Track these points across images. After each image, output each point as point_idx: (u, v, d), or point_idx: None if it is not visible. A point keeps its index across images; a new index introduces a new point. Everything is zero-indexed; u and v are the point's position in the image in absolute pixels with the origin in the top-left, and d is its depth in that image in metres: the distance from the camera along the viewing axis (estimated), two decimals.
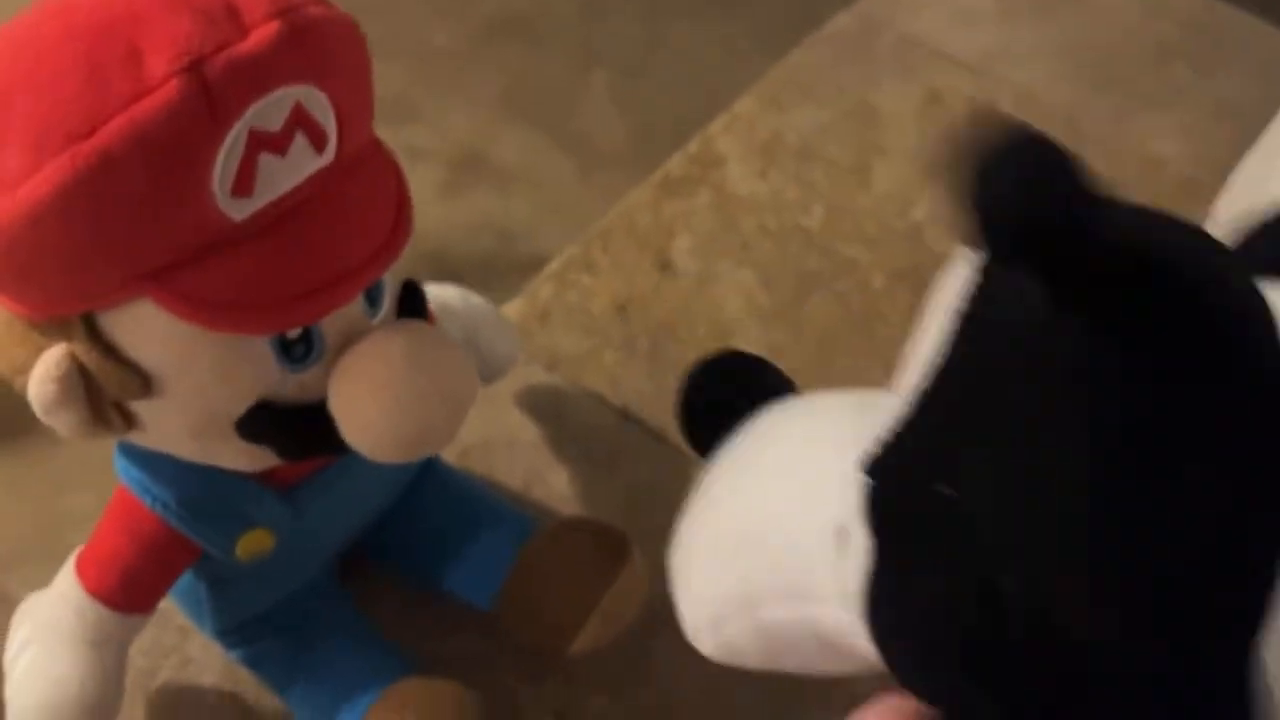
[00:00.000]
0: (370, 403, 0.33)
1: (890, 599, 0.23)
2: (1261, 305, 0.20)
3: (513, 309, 0.58)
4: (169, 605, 0.44)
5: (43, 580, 0.40)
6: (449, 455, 0.51)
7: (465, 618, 0.46)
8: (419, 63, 1.88)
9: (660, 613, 0.48)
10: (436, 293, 0.47)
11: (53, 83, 0.28)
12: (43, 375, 0.32)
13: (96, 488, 0.55)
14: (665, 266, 0.61)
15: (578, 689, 0.46)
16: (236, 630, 0.42)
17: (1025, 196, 0.18)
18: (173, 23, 0.28)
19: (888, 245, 0.64)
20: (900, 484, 0.23)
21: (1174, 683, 0.20)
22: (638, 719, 0.45)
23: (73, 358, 0.32)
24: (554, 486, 0.52)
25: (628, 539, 0.44)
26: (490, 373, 0.49)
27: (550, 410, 0.54)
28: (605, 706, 0.45)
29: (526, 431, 0.53)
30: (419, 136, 1.85)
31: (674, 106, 1.26)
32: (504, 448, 0.52)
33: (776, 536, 0.27)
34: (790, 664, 0.30)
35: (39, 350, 0.32)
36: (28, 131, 0.28)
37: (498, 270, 0.65)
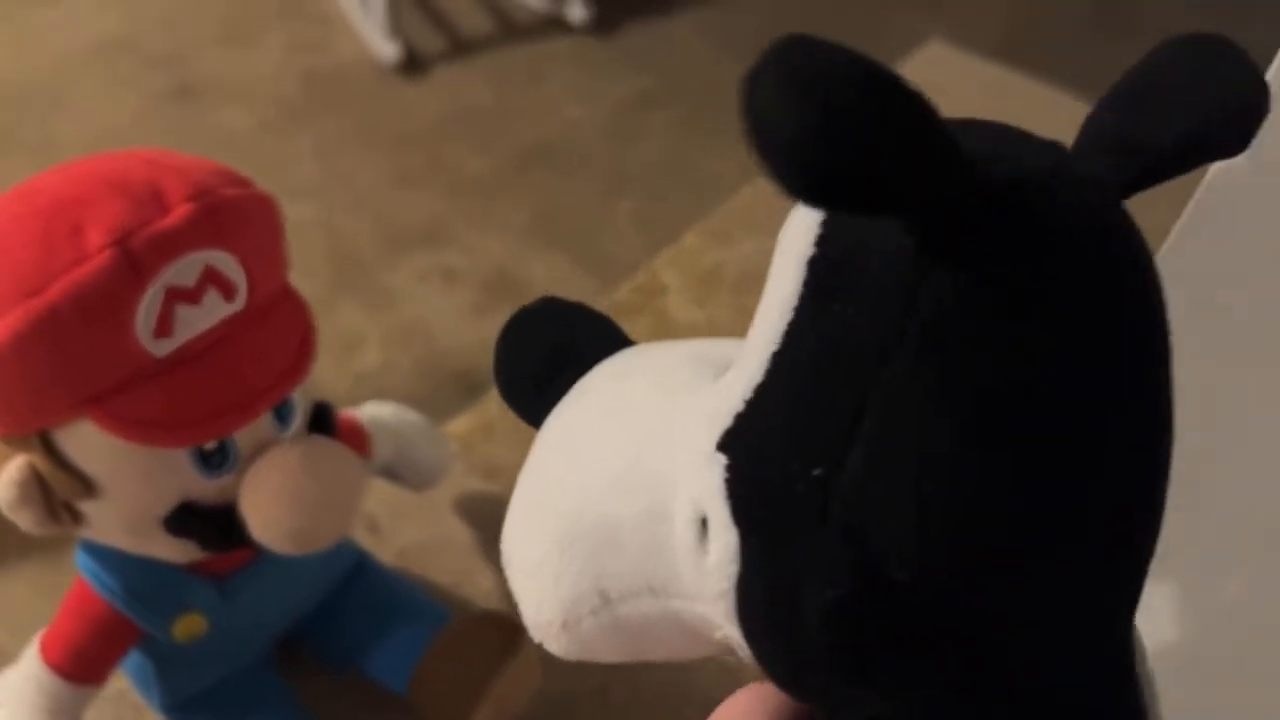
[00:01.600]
0: (270, 504, 0.40)
1: (762, 598, 0.20)
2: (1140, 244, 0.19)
3: (461, 423, 0.65)
4: (127, 686, 0.51)
5: None
6: (386, 555, 0.57)
7: (386, 701, 0.51)
8: (455, 190, 2.00)
9: (560, 705, 0.53)
10: (373, 410, 0.54)
11: (16, 250, 0.36)
12: (7, 480, 0.39)
13: None
14: None
15: None
16: (180, 706, 0.49)
17: (810, 134, 0.14)
18: (109, 205, 0.36)
19: None
20: (758, 465, 0.20)
21: (1067, 651, 0.20)
22: None
23: (31, 466, 0.39)
24: (482, 585, 0.58)
25: (522, 630, 0.49)
26: (422, 479, 0.55)
27: (485, 516, 0.61)
28: None
29: (461, 534, 0.60)
30: (454, 259, 1.97)
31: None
32: (439, 549, 0.59)
33: (630, 532, 0.24)
34: (652, 654, 0.27)
35: (5, 460, 0.40)
36: None
37: None
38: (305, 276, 0.78)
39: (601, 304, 0.74)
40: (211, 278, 0.38)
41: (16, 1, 1.66)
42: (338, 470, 0.41)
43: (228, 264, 0.38)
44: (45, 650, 0.44)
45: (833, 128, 0.14)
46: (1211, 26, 0.24)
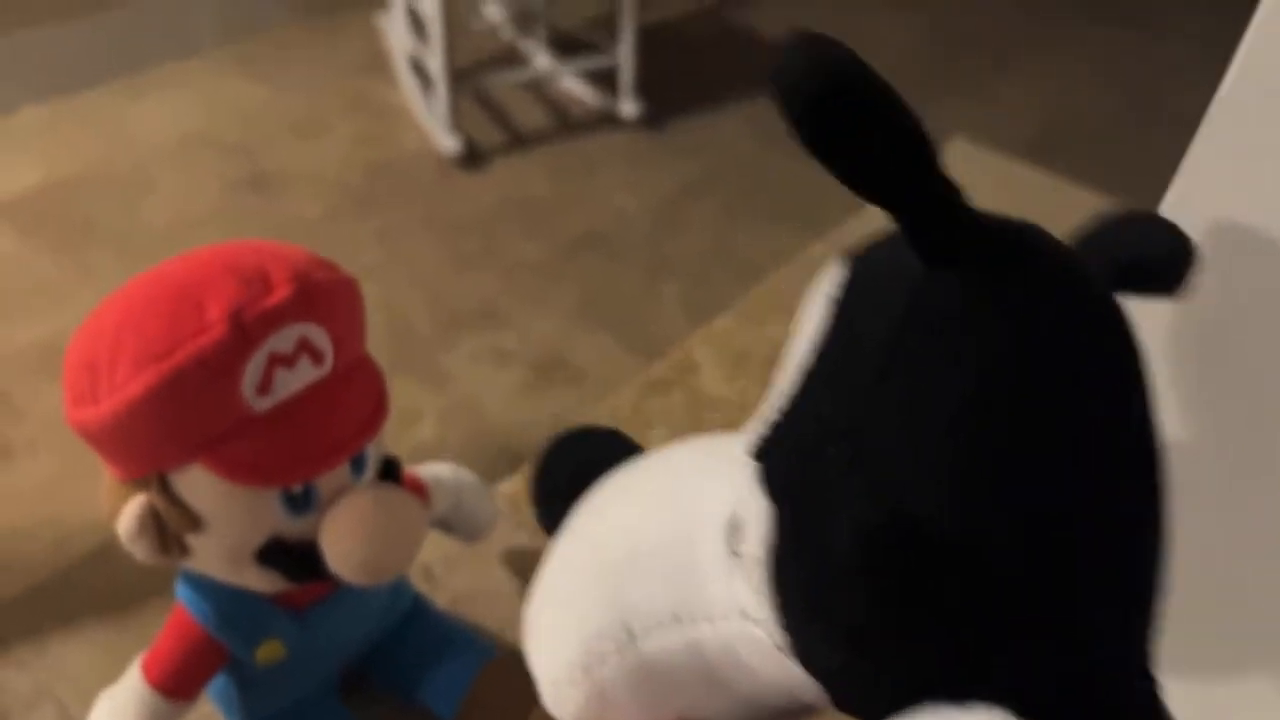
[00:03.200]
0: (345, 539, 0.47)
1: (794, 552, 0.22)
2: (1084, 267, 0.23)
3: (510, 485, 0.72)
4: (211, 710, 0.57)
5: None
6: (440, 600, 0.63)
7: None
8: (509, 274, 2.10)
9: None
10: (433, 469, 0.61)
11: (148, 323, 0.44)
12: (129, 514, 0.47)
13: None
14: None
15: None
16: None
17: (808, 74, 0.20)
18: (225, 286, 0.44)
19: None
20: (792, 444, 0.23)
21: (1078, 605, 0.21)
22: None
23: (149, 503, 0.46)
24: None
25: None
26: (473, 530, 0.62)
27: (529, 568, 0.67)
28: None
29: (507, 584, 0.66)
30: (507, 340, 2.05)
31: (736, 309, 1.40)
32: (488, 597, 0.65)
33: (660, 557, 0.26)
34: (666, 705, 0.27)
35: (126, 499, 0.47)
36: (131, 353, 0.43)
37: None
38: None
39: (638, 380, 0.81)
40: (305, 346, 0.45)
41: (108, 97, 1.81)
42: (404, 511, 0.48)
43: (318, 335, 0.46)
44: (146, 670, 0.51)
45: (838, 92, 0.20)
46: None
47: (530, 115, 2.00)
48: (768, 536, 0.23)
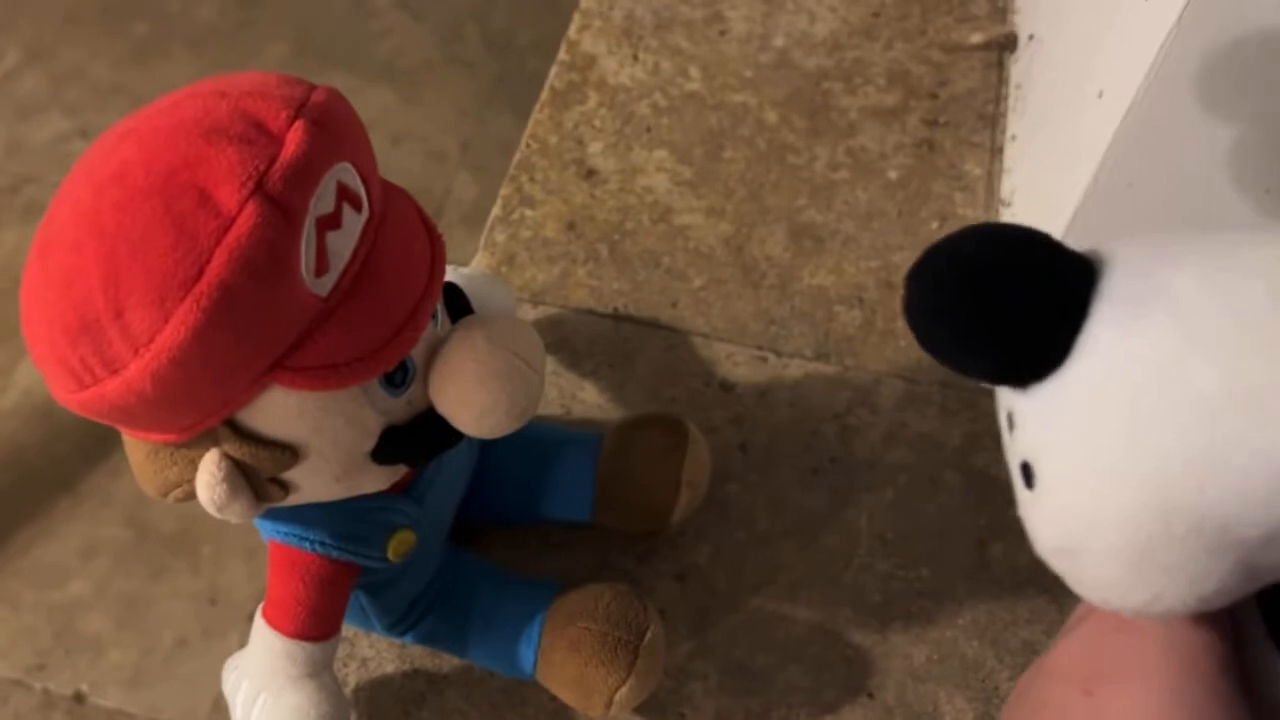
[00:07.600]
0: (477, 391, 0.38)
1: None
2: None
3: (479, 262, 0.63)
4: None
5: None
6: None
7: (565, 537, 0.53)
8: (197, 52, 1.78)
9: (716, 470, 0.55)
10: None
11: (146, 243, 0.31)
12: (209, 481, 0.37)
13: (86, 574, 0.57)
14: (590, 174, 0.66)
15: (683, 550, 0.53)
16: (401, 620, 0.49)
17: None
18: (221, 157, 0.32)
19: (766, 81, 0.70)
20: None
21: None
22: (741, 555, 0.53)
23: (227, 457, 0.36)
24: (588, 400, 0.58)
25: (683, 419, 0.51)
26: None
27: (554, 338, 0.60)
28: (712, 554, 0.53)
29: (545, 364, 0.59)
30: None
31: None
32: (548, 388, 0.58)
33: None
34: None
35: (190, 464, 0.37)
36: (143, 290, 0.31)
37: None
38: None
39: (541, 96, 0.71)
40: (343, 194, 0.34)
41: None
42: (519, 335, 0.40)
43: (350, 174, 0.35)
44: (279, 624, 0.43)
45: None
46: None
47: None
48: None
